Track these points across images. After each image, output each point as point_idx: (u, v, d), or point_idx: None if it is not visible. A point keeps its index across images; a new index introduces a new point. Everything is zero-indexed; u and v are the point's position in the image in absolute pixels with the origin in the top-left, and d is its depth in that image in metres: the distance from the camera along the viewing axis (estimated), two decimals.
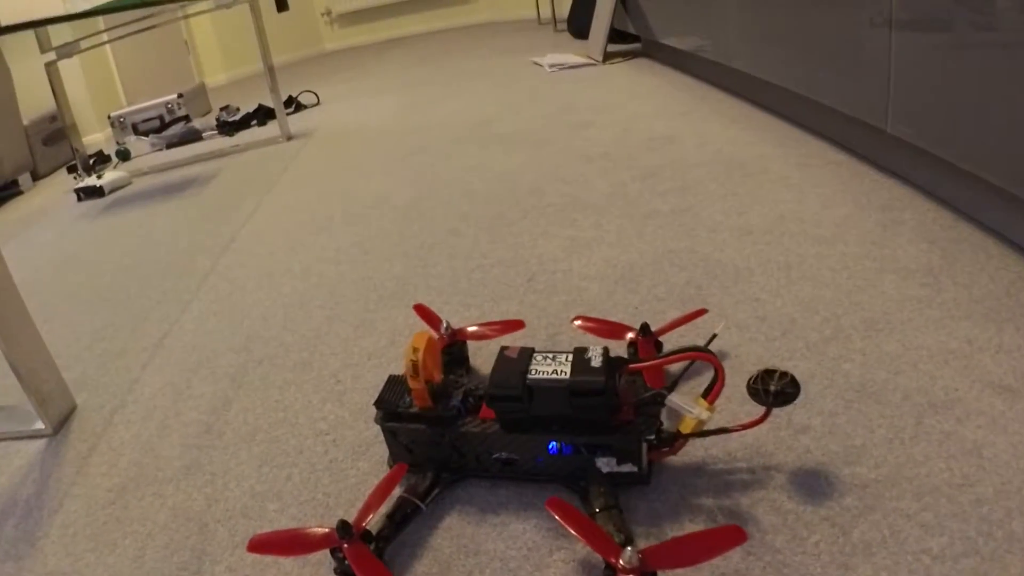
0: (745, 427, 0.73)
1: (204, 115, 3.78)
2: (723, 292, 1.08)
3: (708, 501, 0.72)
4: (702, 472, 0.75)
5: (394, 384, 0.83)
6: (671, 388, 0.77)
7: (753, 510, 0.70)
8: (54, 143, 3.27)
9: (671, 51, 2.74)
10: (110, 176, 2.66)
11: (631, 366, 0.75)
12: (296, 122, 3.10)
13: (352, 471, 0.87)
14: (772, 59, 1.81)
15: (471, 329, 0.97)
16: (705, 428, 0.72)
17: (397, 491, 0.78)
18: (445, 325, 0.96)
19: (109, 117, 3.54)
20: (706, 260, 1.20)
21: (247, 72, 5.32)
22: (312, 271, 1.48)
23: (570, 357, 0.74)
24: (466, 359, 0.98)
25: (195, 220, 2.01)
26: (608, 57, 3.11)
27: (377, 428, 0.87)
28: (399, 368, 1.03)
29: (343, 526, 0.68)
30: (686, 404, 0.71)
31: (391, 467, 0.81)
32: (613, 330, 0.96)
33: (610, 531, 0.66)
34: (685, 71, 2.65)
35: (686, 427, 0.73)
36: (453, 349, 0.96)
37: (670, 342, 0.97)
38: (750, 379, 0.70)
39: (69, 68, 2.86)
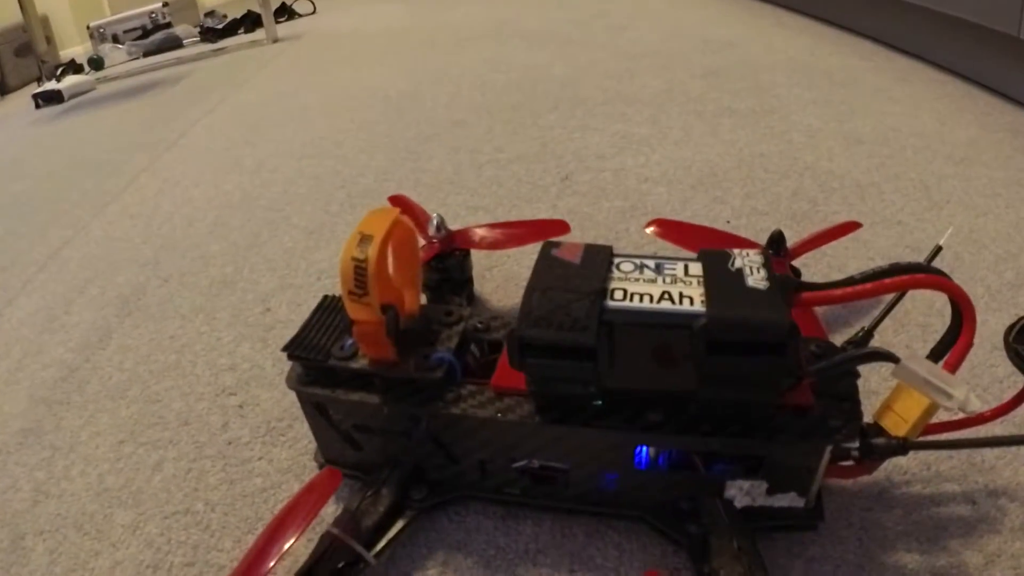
0: (998, 413, 0.38)
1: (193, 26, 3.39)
2: (848, 209, 0.79)
3: (912, 559, 0.41)
4: (890, 499, 0.45)
5: (329, 312, 0.45)
6: (863, 340, 0.41)
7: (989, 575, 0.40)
8: (27, 54, 2.88)
9: None
10: (70, 80, 2.33)
11: (808, 295, 0.37)
12: (287, 28, 2.69)
13: (259, 465, 0.51)
14: None
15: (479, 231, 0.60)
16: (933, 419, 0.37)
17: (327, 517, 0.42)
18: (436, 222, 0.58)
19: (88, 27, 3.18)
20: (812, 169, 0.89)
21: None
22: (265, 165, 1.10)
23: (695, 268, 0.36)
24: (469, 281, 0.61)
25: (148, 119, 1.63)
26: None
27: None
28: None
29: None
30: (933, 374, 0.34)
31: (320, 467, 0.45)
32: (718, 242, 0.58)
33: None
34: None
35: (898, 421, 0.38)
36: (449, 262, 0.58)
37: (812, 266, 0.63)
38: (1009, 331, 0.38)
39: None
